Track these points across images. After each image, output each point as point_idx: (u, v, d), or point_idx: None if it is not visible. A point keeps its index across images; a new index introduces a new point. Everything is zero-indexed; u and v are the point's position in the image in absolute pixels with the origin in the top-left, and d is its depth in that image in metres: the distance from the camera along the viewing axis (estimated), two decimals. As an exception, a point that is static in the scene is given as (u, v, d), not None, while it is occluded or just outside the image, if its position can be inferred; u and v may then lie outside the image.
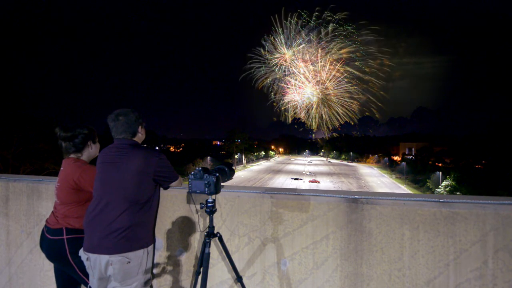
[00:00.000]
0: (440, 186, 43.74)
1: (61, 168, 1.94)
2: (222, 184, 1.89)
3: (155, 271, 2.05)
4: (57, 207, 1.92)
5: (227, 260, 1.84)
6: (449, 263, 1.56)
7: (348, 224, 1.73)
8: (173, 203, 2.04)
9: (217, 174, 1.70)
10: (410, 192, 46.28)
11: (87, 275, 1.79)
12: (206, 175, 1.68)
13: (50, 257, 1.89)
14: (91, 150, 2.03)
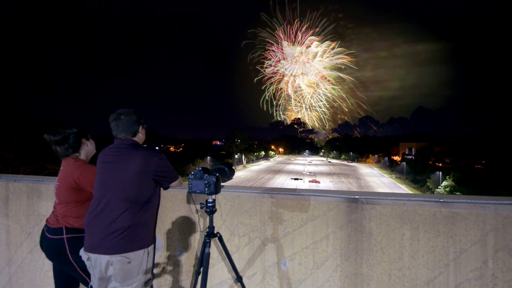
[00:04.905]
0: (440, 186, 43.72)
1: (61, 168, 1.94)
2: (222, 184, 1.89)
3: (155, 271, 2.05)
4: (57, 206, 1.92)
5: (227, 260, 1.84)
6: (449, 263, 1.56)
7: (348, 224, 1.73)
8: (173, 203, 2.04)
9: (217, 174, 1.70)
10: (410, 192, 46.27)
11: (88, 274, 1.79)
12: (206, 175, 1.68)
13: (50, 256, 1.89)
14: (88, 148, 2.03)
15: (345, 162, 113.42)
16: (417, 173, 57.42)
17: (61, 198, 1.89)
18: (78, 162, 1.92)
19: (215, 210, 1.76)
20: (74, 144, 1.96)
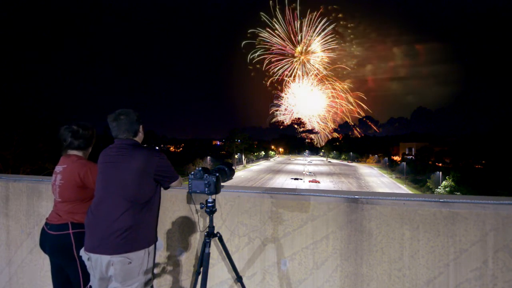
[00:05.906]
0: (440, 186, 43.72)
1: (64, 166, 1.91)
2: (222, 184, 1.89)
3: (155, 271, 2.05)
4: (58, 205, 1.91)
5: (227, 260, 1.84)
6: (449, 263, 1.57)
7: (348, 224, 1.73)
8: (173, 203, 2.04)
9: (217, 174, 1.70)
10: (410, 192, 46.26)
11: (86, 274, 1.79)
12: (206, 175, 1.68)
13: (53, 253, 1.88)
14: (90, 148, 2.06)
15: (345, 162, 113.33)
16: (417, 173, 57.40)
17: (65, 197, 1.88)
18: (82, 161, 1.92)
19: (215, 210, 1.76)
20: (90, 141, 2.01)
